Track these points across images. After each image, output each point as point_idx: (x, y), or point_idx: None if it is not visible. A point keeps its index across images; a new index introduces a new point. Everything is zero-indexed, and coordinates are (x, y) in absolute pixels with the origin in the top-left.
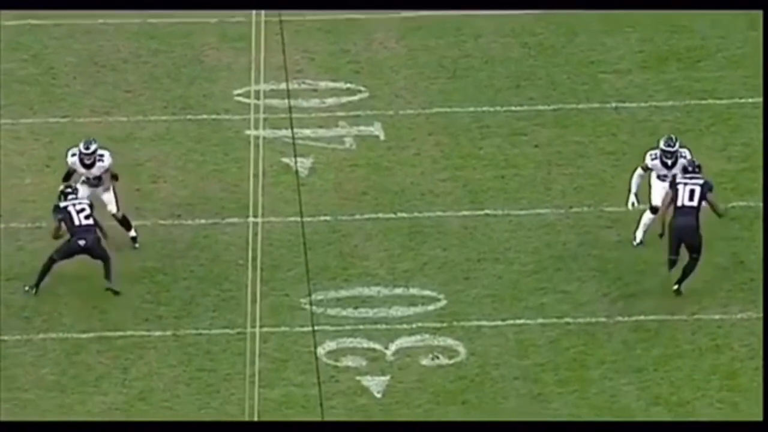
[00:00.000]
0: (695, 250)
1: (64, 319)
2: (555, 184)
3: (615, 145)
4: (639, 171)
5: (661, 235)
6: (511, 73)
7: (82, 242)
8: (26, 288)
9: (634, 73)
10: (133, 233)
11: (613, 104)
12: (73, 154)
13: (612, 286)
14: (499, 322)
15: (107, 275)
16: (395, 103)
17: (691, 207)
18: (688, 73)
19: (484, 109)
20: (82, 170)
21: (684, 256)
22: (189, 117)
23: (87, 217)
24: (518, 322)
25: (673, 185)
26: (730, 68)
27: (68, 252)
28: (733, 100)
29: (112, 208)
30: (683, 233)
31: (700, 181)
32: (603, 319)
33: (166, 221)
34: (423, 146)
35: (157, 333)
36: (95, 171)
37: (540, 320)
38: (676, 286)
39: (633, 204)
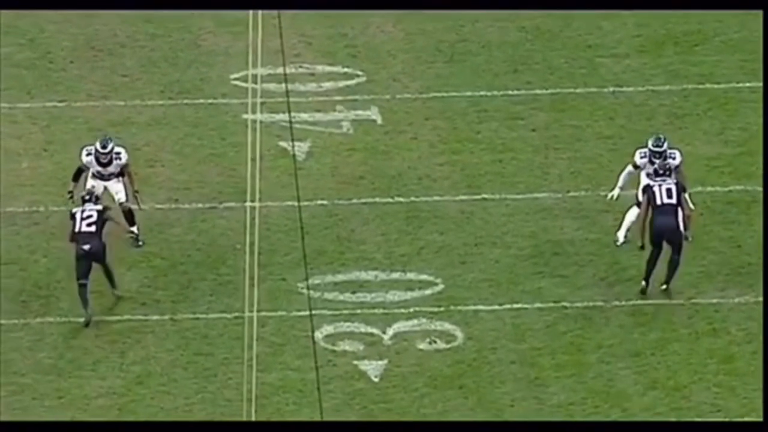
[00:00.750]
0: (676, 250)
1: (61, 304)
2: (552, 168)
3: (612, 130)
4: (629, 168)
5: (641, 247)
6: (509, 58)
7: (86, 246)
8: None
9: (632, 58)
10: (135, 230)
11: (611, 88)
12: (89, 154)
13: (609, 270)
14: (497, 307)
15: (111, 282)
16: (392, 88)
17: (671, 204)
18: (685, 57)
19: (482, 93)
20: (97, 168)
21: (665, 255)
22: (186, 101)
23: (89, 225)
24: (515, 306)
25: (648, 188)
26: (728, 52)
27: (77, 258)
28: (731, 84)
29: (122, 197)
30: (664, 231)
31: (674, 181)
32: (600, 304)
33: (164, 205)
34: (420, 131)
35: (155, 317)
36: (112, 168)
37: (537, 304)
38: (664, 286)
39: (614, 198)
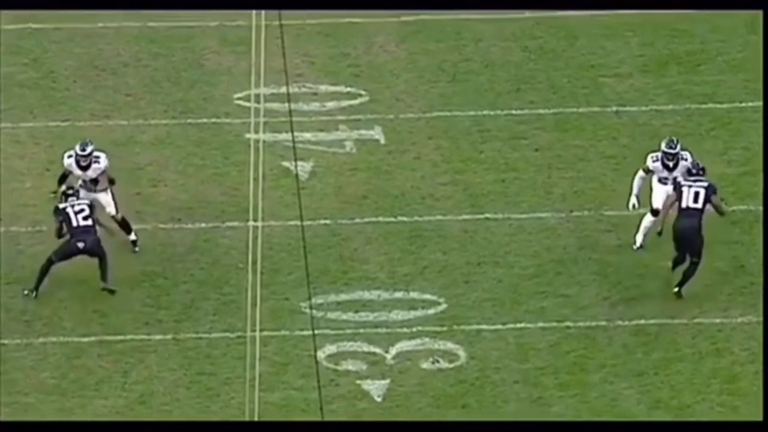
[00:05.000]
0: (695, 254)
1: (64, 323)
2: (555, 187)
3: (615, 149)
4: (640, 173)
5: (659, 234)
6: (512, 77)
7: (80, 244)
8: (25, 291)
9: (635, 77)
10: (133, 236)
11: (614, 108)
12: (69, 156)
13: (612, 289)
14: (500, 326)
15: (104, 276)
16: (395, 107)
17: (695, 209)
18: (688, 77)
19: (485, 112)
20: (78, 172)
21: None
22: (189, 121)
23: (86, 218)
24: (518, 325)
25: (678, 187)
26: (730, 72)
27: (67, 253)
28: (734, 104)
29: (111, 210)
30: (685, 235)
31: (705, 184)
32: (603, 323)
33: (167, 225)
34: (423, 150)
35: (158, 337)
36: (91, 173)
37: (540, 324)
38: (676, 289)
39: (634, 206)
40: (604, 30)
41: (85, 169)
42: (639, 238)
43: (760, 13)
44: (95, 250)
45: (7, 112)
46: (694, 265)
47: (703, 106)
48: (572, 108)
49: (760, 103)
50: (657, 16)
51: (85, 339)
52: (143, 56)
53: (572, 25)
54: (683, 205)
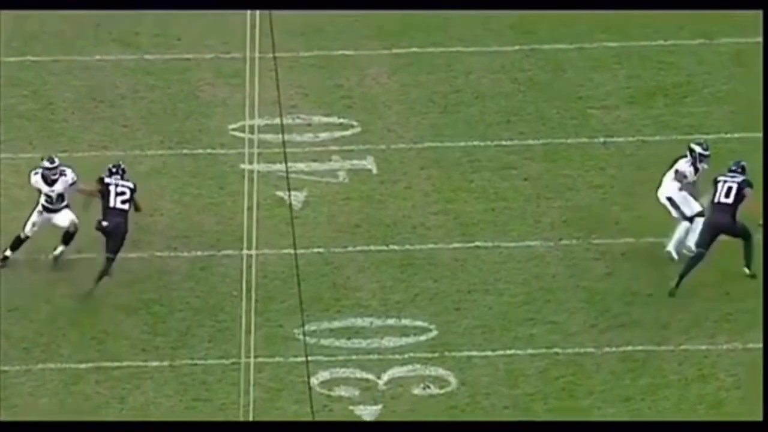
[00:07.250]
0: (740, 236)
1: (62, 350)
2: (544, 216)
3: (603, 179)
4: (676, 183)
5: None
6: (501, 108)
7: (105, 223)
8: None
9: (622, 109)
10: (61, 249)
11: (602, 139)
12: (36, 173)
13: (600, 317)
14: (489, 353)
15: (100, 276)
16: (387, 138)
17: (726, 204)
18: (674, 109)
19: (475, 143)
20: (45, 188)
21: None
22: (185, 151)
23: (124, 202)
24: (508, 352)
25: (714, 182)
26: (716, 104)
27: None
28: (720, 135)
29: (68, 221)
30: (719, 228)
31: (739, 179)
32: (591, 350)
33: (163, 253)
34: (415, 180)
35: (154, 363)
36: (58, 186)
37: (529, 350)
38: (746, 270)
39: (702, 205)
40: (591, 62)
41: (52, 183)
42: (672, 249)
43: (745, 45)
44: (115, 232)
45: (8, 143)
46: (747, 245)
47: (690, 137)
48: (561, 139)
49: (746, 134)
50: (644, 49)
51: (83, 365)
52: (140, 88)
53: (560, 58)
54: (715, 199)
